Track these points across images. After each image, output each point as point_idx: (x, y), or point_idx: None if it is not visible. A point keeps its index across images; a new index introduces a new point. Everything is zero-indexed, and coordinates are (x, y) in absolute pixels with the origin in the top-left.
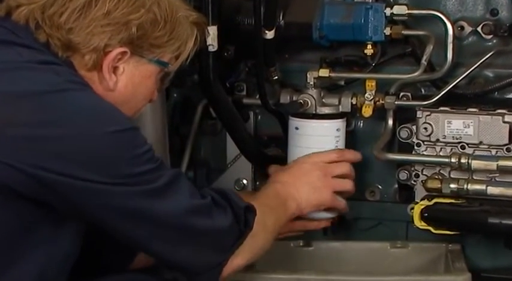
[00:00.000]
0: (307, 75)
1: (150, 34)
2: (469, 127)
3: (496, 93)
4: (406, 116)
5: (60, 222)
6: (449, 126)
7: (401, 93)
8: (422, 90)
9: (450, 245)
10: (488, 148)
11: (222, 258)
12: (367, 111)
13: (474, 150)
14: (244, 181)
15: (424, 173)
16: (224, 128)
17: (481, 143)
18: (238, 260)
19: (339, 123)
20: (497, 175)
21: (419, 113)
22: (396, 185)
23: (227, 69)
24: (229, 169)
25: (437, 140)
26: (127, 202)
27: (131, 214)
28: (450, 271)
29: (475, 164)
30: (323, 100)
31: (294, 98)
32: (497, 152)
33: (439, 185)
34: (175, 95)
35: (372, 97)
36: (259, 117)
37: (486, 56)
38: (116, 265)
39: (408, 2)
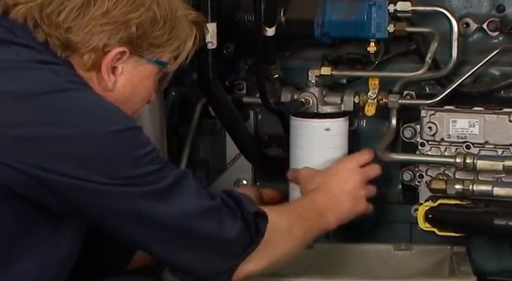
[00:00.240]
0: (309, 73)
1: (149, 33)
2: (474, 126)
3: (502, 91)
4: (410, 115)
5: (59, 223)
6: (454, 126)
7: (405, 92)
8: (427, 89)
9: (455, 247)
10: (494, 147)
11: (230, 265)
12: (370, 110)
13: (480, 150)
14: (244, 182)
15: (428, 173)
16: (223, 128)
17: (486, 142)
18: (250, 266)
19: (342, 123)
20: (504, 175)
21: (423, 112)
22: (400, 186)
23: (227, 67)
24: (228, 169)
25: (442, 139)
26: (129, 204)
27: (134, 216)
28: (455, 274)
29: (481, 164)
30: (325, 99)
31: (295, 97)
32: (503, 152)
33: (444, 186)
34: (173, 93)
35: (375, 96)
36: (259, 116)
37: (492, 54)
38: (114, 265)
39: None
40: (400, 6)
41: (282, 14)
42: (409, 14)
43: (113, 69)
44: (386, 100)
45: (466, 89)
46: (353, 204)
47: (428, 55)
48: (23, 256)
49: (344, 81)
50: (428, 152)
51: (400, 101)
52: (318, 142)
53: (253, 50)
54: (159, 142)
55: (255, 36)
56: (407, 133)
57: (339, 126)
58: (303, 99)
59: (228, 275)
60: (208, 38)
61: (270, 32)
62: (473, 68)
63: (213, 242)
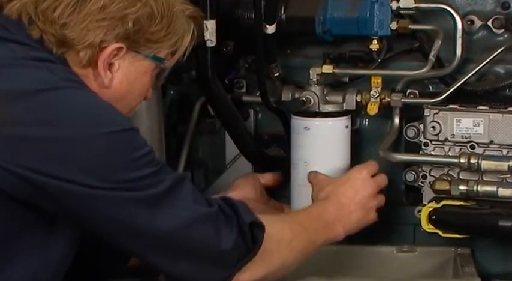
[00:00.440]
0: (310, 71)
1: (146, 29)
2: (479, 126)
3: (507, 90)
4: (413, 114)
5: (53, 226)
6: (459, 125)
7: (408, 91)
8: (430, 88)
9: (459, 249)
10: (499, 147)
11: (225, 275)
12: (372, 110)
13: (484, 150)
14: None
15: (432, 174)
16: (223, 127)
17: (491, 142)
18: (246, 276)
19: (343, 122)
20: (509, 175)
21: (427, 111)
22: (403, 187)
23: (226, 65)
24: (228, 170)
25: (446, 139)
26: (124, 209)
27: (128, 221)
28: (459, 276)
29: (486, 164)
30: (326, 98)
31: (296, 96)
32: (508, 152)
33: (448, 187)
34: (171, 92)
35: (377, 94)
36: (259, 115)
37: (497, 52)
38: (111, 267)
39: None
40: (403, 3)
41: (282, 11)
42: (412, 11)
43: (110, 65)
44: (389, 99)
45: (471, 87)
46: (362, 215)
47: (432, 53)
48: (17, 259)
49: (346, 79)
50: (432, 152)
51: (403, 100)
52: (319, 142)
53: (253, 48)
54: (157, 141)
55: (255, 33)
56: (411, 133)
57: (341, 125)
58: (304, 98)
59: None
60: (207, 36)
61: (271, 29)
62: (477, 66)
63: (209, 252)
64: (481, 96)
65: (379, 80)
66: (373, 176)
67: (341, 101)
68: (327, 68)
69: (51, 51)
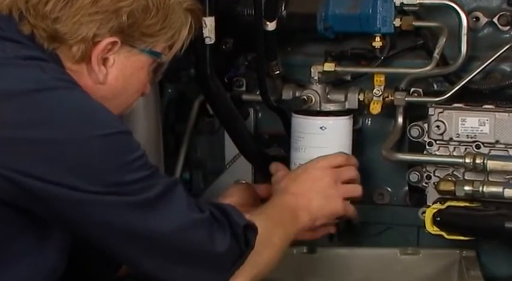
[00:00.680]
0: (311, 69)
1: (141, 22)
2: (484, 125)
3: None
4: (417, 113)
5: (45, 232)
6: (464, 124)
7: (412, 89)
8: (435, 86)
9: (464, 251)
10: (505, 147)
11: (221, 278)
12: (375, 108)
13: (490, 150)
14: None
15: (436, 174)
16: (222, 126)
17: (497, 142)
18: (239, 278)
19: (346, 121)
20: None
21: (431, 110)
22: (406, 188)
23: (225, 63)
24: (227, 170)
25: (451, 139)
26: (115, 213)
27: (120, 226)
28: (464, 279)
29: (491, 164)
30: (328, 96)
31: (297, 94)
32: None
33: (453, 188)
34: (169, 90)
35: (380, 93)
36: (259, 114)
37: (503, 49)
38: (104, 272)
39: None
40: None
41: (283, 7)
42: (416, 8)
43: (104, 60)
44: (392, 98)
45: (476, 85)
46: (325, 202)
47: (436, 50)
48: (7, 265)
49: (348, 77)
50: (436, 152)
51: (406, 99)
52: (321, 141)
53: (253, 45)
54: (154, 141)
55: (255, 30)
56: (414, 132)
57: (343, 125)
58: (305, 97)
59: None
60: (206, 33)
61: (271, 26)
62: (483, 64)
63: (203, 257)
64: (487, 95)
65: (382, 78)
66: (336, 167)
67: (343, 99)
68: (329, 66)
69: (43, 46)
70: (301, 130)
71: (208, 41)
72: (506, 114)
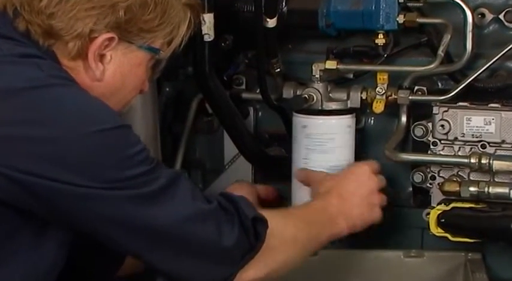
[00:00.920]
0: (313, 67)
1: (139, 18)
2: (490, 124)
3: None
4: (421, 112)
5: (43, 230)
6: (469, 124)
7: (416, 87)
8: (439, 84)
9: (470, 254)
10: None
11: (228, 273)
12: (378, 107)
13: (496, 149)
14: None
15: (440, 175)
16: (221, 126)
17: (503, 141)
18: (250, 274)
19: (348, 120)
20: None
21: (435, 109)
22: (410, 188)
23: (225, 60)
24: (226, 171)
25: (456, 138)
26: (119, 209)
27: (124, 222)
28: None
29: (497, 165)
30: (330, 95)
31: (298, 93)
32: None
33: (458, 188)
34: (167, 89)
35: (383, 91)
36: (259, 113)
37: (509, 46)
38: (104, 272)
39: None
40: None
41: (283, 3)
42: (420, 4)
43: (101, 57)
44: (395, 96)
45: (482, 84)
46: (366, 210)
47: (441, 48)
48: (5, 263)
49: (350, 76)
50: (441, 152)
51: (410, 97)
52: (323, 141)
53: (253, 43)
54: (152, 141)
55: (255, 27)
56: (418, 132)
57: (345, 124)
58: (306, 95)
59: None
60: (205, 30)
61: (271, 23)
62: (489, 61)
63: (210, 249)
64: (493, 93)
65: (385, 76)
66: (376, 174)
67: (345, 98)
68: (331, 64)
69: (38, 43)
70: (302, 129)
71: (207, 38)
72: None
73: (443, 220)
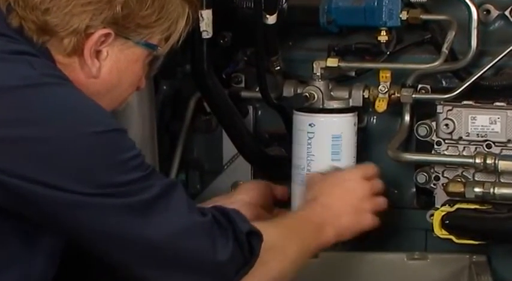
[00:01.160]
0: (314, 65)
1: (136, 13)
2: (495, 123)
3: None
4: (424, 111)
5: (33, 238)
6: (474, 123)
7: (420, 86)
8: (443, 82)
9: (474, 256)
10: None
11: None
12: (380, 106)
13: (501, 149)
14: None
15: (445, 175)
16: (220, 125)
17: (509, 141)
18: None
19: (350, 119)
20: None
21: (439, 108)
22: (414, 189)
23: (223, 58)
24: (225, 171)
25: (460, 138)
26: (109, 216)
27: (114, 230)
28: None
29: (503, 165)
30: (331, 93)
31: (299, 91)
32: None
33: (462, 189)
34: (164, 87)
35: (386, 90)
36: (259, 112)
37: None
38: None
39: None
40: None
41: (284, 0)
42: (423, 0)
43: (97, 53)
44: (398, 95)
45: (487, 82)
46: (355, 218)
47: (445, 45)
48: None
49: (352, 73)
50: (445, 152)
51: (414, 96)
52: (324, 140)
53: (253, 40)
54: (148, 140)
55: (254, 24)
56: (422, 131)
57: (347, 123)
58: (307, 94)
59: None
60: (203, 27)
61: (271, 19)
62: (494, 59)
63: (204, 264)
64: (498, 92)
65: (388, 74)
66: (369, 179)
67: (347, 96)
68: (332, 62)
69: (32, 40)
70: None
71: (205, 35)
72: None
73: (447, 222)
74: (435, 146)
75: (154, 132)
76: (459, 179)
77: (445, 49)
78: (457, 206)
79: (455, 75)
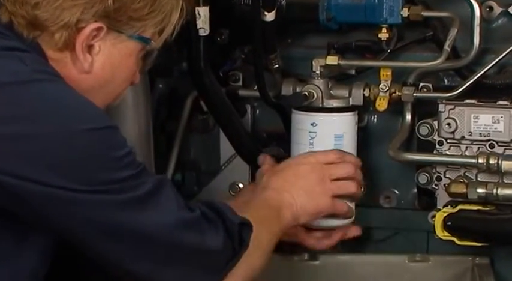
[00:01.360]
0: (313, 63)
1: (128, 6)
2: (498, 123)
3: None
4: (426, 110)
5: (24, 236)
6: (476, 122)
7: (421, 84)
8: (445, 81)
9: (477, 258)
10: None
11: (214, 280)
12: (381, 105)
13: (505, 149)
14: (241, 185)
15: (447, 175)
16: (217, 124)
17: None
18: None
19: (350, 119)
20: None
21: (441, 107)
22: (415, 190)
23: (220, 56)
24: (222, 171)
25: (463, 137)
26: (101, 213)
27: (106, 227)
28: None
29: (506, 165)
30: (331, 92)
31: (298, 90)
32: None
33: (465, 190)
34: (160, 86)
35: (387, 88)
36: (257, 111)
37: None
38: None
39: None
40: None
41: None
42: None
43: (89, 48)
44: (399, 93)
45: (490, 80)
46: (310, 200)
47: (447, 43)
48: None
49: (352, 72)
50: (447, 152)
51: (415, 95)
52: (322, 140)
53: (251, 37)
54: (144, 140)
55: (252, 21)
56: (424, 130)
57: (347, 122)
58: (306, 92)
59: None
60: (200, 24)
61: (269, 16)
62: (497, 56)
63: (196, 256)
64: (501, 90)
65: (389, 73)
66: (329, 164)
67: (347, 95)
68: (332, 60)
69: (22, 35)
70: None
71: (202, 33)
72: None
73: (449, 223)
74: (437, 146)
75: (150, 132)
76: (461, 180)
77: (447, 47)
78: (459, 207)
79: (457, 74)
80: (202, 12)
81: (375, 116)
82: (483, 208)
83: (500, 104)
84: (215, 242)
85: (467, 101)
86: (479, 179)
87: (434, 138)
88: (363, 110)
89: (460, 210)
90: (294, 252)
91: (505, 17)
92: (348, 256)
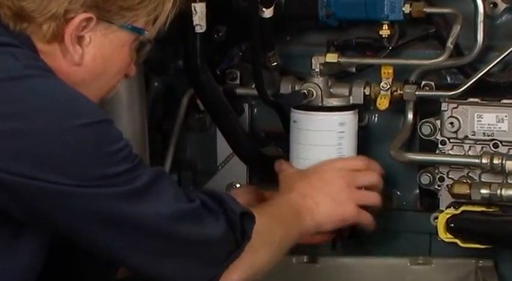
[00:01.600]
0: (312, 60)
1: None
2: (503, 122)
3: None
4: (428, 108)
5: (19, 232)
6: (480, 121)
7: (423, 82)
8: (448, 79)
9: (481, 261)
10: None
11: (214, 272)
12: (382, 104)
13: (509, 149)
14: (238, 186)
15: (450, 176)
16: (214, 123)
17: None
18: (233, 276)
19: (350, 117)
20: None
21: (444, 106)
22: (417, 191)
23: (217, 53)
24: (220, 172)
25: (466, 137)
26: (99, 208)
27: (104, 220)
28: None
29: (510, 165)
30: (331, 90)
31: (297, 88)
32: None
33: (468, 191)
34: (156, 84)
35: (388, 87)
36: (255, 110)
37: None
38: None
39: None
40: None
41: None
42: None
43: (79, 39)
44: (401, 92)
45: (494, 78)
46: (334, 208)
47: (450, 40)
48: None
49: (353, 69)
50: (450, 152)
51: (417, 93)
52: (323, 140)
53: (248, 34)
54: (139, 139)
55: (250, 18)
56: (426, 130)
57: (347, 121)
58: (305, 91)
59: None
60: (196, 21)
61: (268, 13)
62: (501, 54)
63: (196, 247)
64: (505, 88)
65: (390, 71)
66: (355, 171)
67: (347, 94)
68: (331, 57)
69: (8, 27)
70: (301, 126)
71: (198, 30)
72: None
73: (452, 225)
74: (439, 146)
75: (145, 130)
76: (465, 180)
77: (449, 44)
78: (462, 208)
79: (460, 72)
80: (199, 9)
81: (376, 115)
82: (487, 209)
83: (505, 103)
84: (215, 232)
85: (471, 99)
86: (482, 179)
87: (437, 137)
88: (364, 108)
89: (463, 211)
90: (292, 252)
91: (509, 14)
92: (348, 259)
